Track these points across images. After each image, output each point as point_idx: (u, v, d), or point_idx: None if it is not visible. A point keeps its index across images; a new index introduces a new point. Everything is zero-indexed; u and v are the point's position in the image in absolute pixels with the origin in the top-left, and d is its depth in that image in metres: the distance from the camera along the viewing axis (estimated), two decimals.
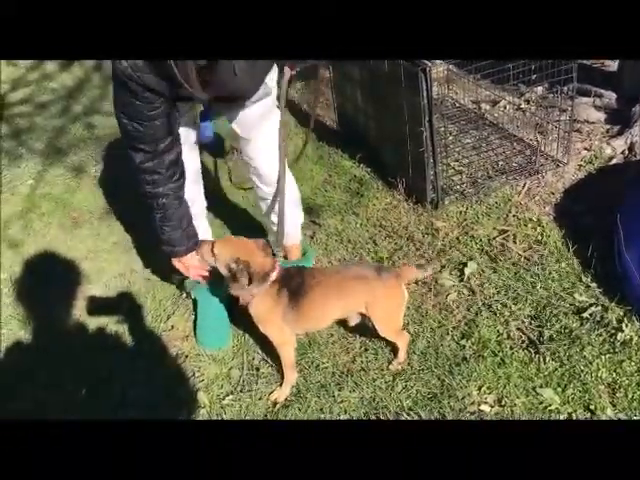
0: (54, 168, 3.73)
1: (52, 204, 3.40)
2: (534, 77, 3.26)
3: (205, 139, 2.19)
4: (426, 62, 2.50)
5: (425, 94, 2.54)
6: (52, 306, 2.70)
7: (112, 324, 2.56)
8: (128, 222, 3.19)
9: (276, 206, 2.32)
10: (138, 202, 3.27)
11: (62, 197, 3.46)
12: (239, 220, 3.03)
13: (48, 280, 2.86)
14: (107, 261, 2.95)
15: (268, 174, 2.31)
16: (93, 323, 2.59)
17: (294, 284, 2.08)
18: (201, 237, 2.33)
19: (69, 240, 3.12)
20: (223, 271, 2.06)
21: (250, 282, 2.01)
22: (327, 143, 3.52)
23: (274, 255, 2.19)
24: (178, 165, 2.07)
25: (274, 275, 2.06)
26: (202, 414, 2.16)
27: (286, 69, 2.10)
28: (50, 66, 4.68)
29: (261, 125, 2.22)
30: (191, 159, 2.25)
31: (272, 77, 2.13)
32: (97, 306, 2.68)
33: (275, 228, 2.38)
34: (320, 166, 3.39)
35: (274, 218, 2.39)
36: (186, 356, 2.41)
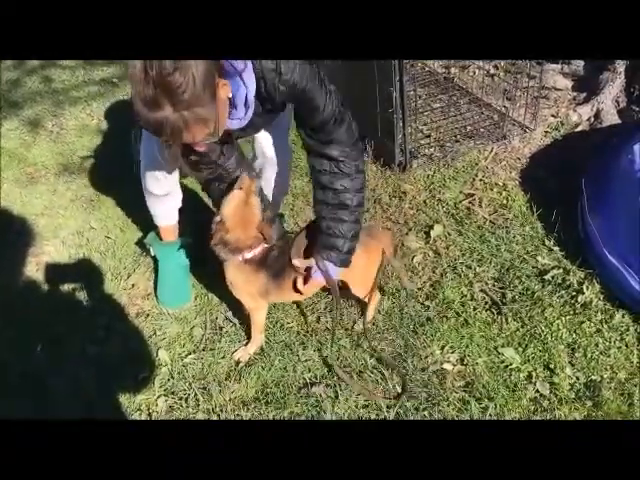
0: (8, 122, 3.58)
1: (6, 158, 3.26)
2: None
3: None
4: None
5: None
6: (7, 263, 2.60)
7: (70, 282, 2.48)
8: (86, 178, 3.09)
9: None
10: (97, 158, 3.22)
11: (17, 151, 3.33)
12: None
13: (3, 237, 2.75)
14: (64, 217, 2.85)
15: (270, 156, 2.25)
16: (50, 280, 2.51)
17: (277, 265, 1.97)
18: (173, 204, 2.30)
19: (24, 196, 3.00)
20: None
21: (215, 244, 1.94)
22: None
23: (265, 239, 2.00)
24: (240, 164, 2.04)
25: (249, 254, 1.95)
26: (163, 372, 2.12)
27: None
28: None
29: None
30: None
31: None
32: (54, 263, 2.59)
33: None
34: None
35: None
36: (147, 315, 2.35)
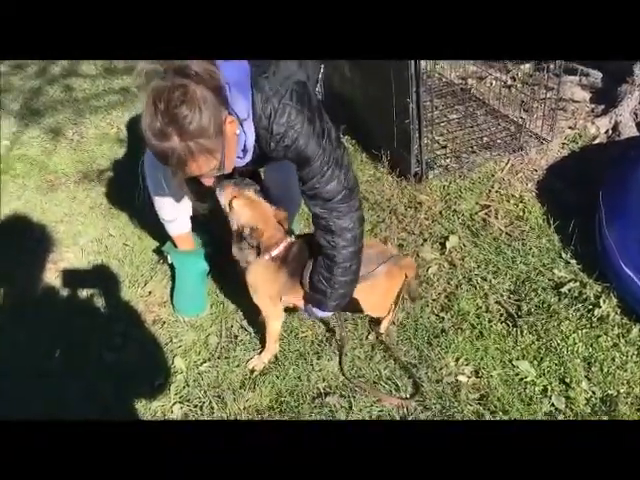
0: (30, 129, 3.64)
1: (27, 166, 3.32)
2: None
3: None
4: None
5: (413, 63, 2.51)
6: (27, 269, 2.64)
7: (88, 288, 2.51)
8: (105, 186, 3.13)
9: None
10: (116, 167, 3.26)
11: (38, 159, 3.38)
12: None
13: (23, 243, 2.80)
14: (83, 225, 2.89)
15: (279, 171, 2.22)
16: (68, 287, 2.54)
17: (294, 264, 1.99)
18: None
19: (44, 203, 3.05)
20: (232, 226, 1.96)
21: (258, 252, 1.96)
22: None
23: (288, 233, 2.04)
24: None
25: (276, 251, 1.97)
26: (179, 380, 2.14)
27: None
28: None
29: None
30: None
31: None
32: (73, 270, 2.63)
33: None
34: None
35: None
36: (163, 322, 2.37)
